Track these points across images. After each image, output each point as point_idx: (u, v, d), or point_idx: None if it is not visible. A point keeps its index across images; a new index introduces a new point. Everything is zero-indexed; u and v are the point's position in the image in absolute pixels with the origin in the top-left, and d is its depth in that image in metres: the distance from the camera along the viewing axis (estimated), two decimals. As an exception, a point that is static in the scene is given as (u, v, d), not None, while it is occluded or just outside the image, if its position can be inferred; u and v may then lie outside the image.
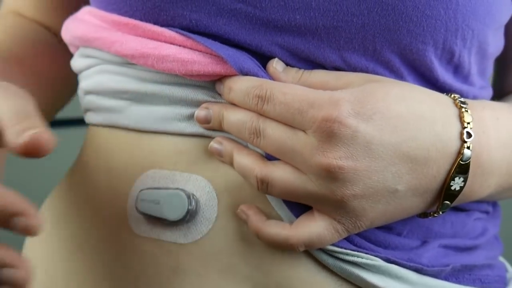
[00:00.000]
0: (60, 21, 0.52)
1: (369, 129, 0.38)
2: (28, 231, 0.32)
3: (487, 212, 0.49)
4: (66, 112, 0.61)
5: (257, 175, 0.40)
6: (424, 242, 0.44)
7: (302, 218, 0.41)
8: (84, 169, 0.49)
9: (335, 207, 0.39)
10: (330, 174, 0.38)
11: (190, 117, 0.44)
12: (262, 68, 0.42)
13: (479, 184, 0.41)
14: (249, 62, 0.42)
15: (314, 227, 0.40)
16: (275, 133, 0.40)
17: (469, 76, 0.45)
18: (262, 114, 0.40)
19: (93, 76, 0.48)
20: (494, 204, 0.51)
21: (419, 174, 0.39)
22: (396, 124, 0.38)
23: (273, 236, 0.40)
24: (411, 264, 0.42)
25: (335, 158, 0.37)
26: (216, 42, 0.42)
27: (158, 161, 0.44)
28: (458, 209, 0.46)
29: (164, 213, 0.43)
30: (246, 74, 0.41)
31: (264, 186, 0.40)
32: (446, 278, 0.44)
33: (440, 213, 0.42)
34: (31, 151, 0.32)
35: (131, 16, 0.44)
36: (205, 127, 0.43)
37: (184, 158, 0.44)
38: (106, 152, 0.47)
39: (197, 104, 0.43)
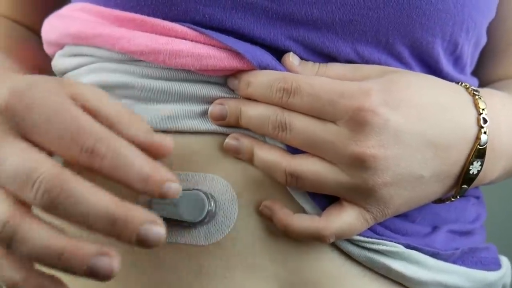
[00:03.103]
0: (40, 20, 0.49)
1: (398, 117, 0.38)
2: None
3: (478, 198, 0.52)
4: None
5: (286, 169, 0.39)
6: (434, 228, 0.46)
7: (331, 209, 0.40)
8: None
9: (365, 196, 0.39)
10: (363, 163, 0.38)
11: (203, 114, 0.42)
12: (279, 62, 0.42)
13: (490, 168, 0.43)
14: (266, 56, 0.41)
15: (345, 218, 0.40)
16: (303, 125, 0.39)
17: (465, 67, 0.47)
18: (285, 108, 0.40)
19: (86, 75, 0.45)
20: (479, 190, 0.54)
21: (442, 160, 0.40)
22: (419, 112, 0.39)
23: (303, 230, 0.40)
24: (428, 249, 0.43)
25: (368, 147, 0.38)
26: (231, 37, 0.41)
27: (169, 161, 0.42)
28: None
29: (183, 215, 0.41)
30: (264, 68, 0.41)
31: (293, 180, 0.39)
32: (454, 262, 0.45)
33: (458, 197, 0.43)
34: (159, 152, 0.35)
35: (137, 12, 0.42)
36: (219, 123, 0.42)
37: (198, 158, 0.42)
38: None
39: (210, 100, 0.42)
